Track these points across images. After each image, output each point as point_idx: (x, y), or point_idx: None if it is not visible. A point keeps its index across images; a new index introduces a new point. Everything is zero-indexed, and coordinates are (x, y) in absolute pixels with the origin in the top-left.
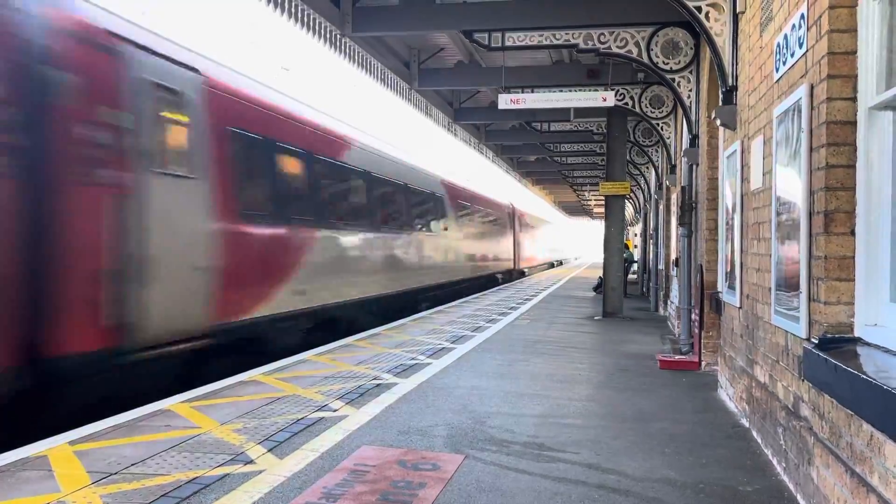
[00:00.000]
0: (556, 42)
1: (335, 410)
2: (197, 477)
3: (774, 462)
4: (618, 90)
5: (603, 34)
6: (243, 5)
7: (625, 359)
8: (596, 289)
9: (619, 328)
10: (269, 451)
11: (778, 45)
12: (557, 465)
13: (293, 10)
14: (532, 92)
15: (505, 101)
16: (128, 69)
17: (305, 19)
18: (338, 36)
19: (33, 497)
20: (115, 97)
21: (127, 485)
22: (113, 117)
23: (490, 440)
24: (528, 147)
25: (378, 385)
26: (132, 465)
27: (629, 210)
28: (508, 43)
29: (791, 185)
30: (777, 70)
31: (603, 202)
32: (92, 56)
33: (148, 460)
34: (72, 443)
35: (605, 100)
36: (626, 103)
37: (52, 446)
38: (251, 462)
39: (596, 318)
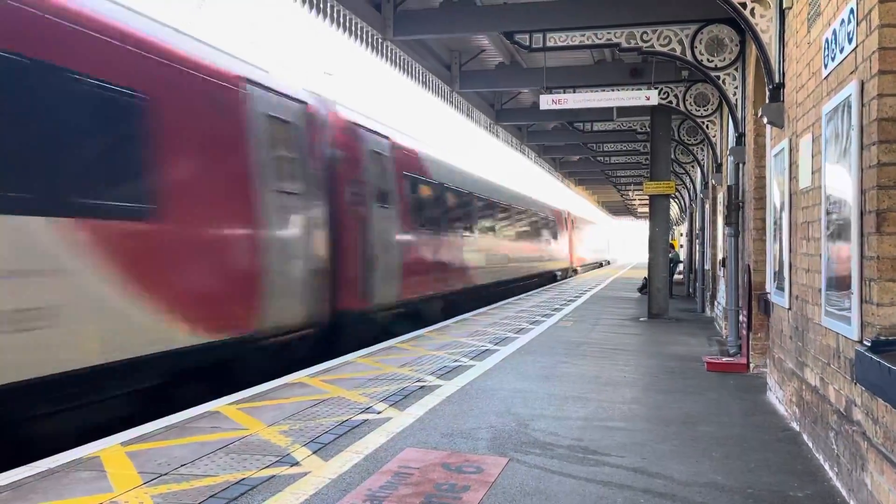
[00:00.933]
0: (597, 42)
1: (379, 412)
2: (244, 478)
3: (826, 467)
4: (661, 89)
5: (645, 32)
6: (287, 11)
7: (671, 361)
8: (641, 290)
9: (664, 330)
10: (315, 452)
11: (826, 41)
12: (602, 468)
13: (335, 15)
14: (574, 92)
15: (547, 102)
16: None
17: (348, 24)
18: (379, 40)
19: (87, 497)
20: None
21: (177, 485)
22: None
23: (534, 443)
24: (570, 147)
25: (421, 387)
26: (182, 465)
27: (674, 209)
28: (550, 43)
29: (841, 183)
30: (825, 66)
31: (647, 202)
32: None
33: (197, 461)
34: (124, 444)
35: (648, 99)
36: (670, 102)
37: (105, 447)
38: (297, 464)
39: (641, 319)
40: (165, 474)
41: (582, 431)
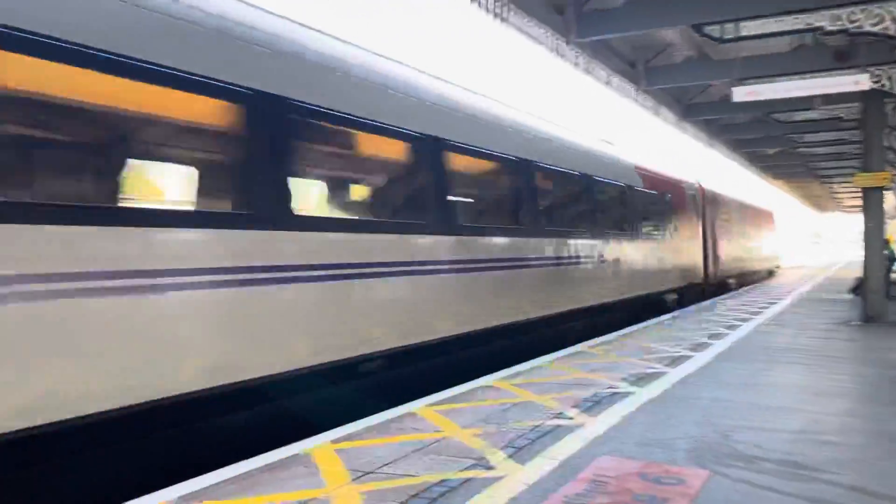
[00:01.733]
0: (796, 27)
1: (571, 418)
2: (443, 479)
3: None
4: (872, 71)
5: (853, 12)
6: (473, 22)
7: (891, 369)
8: (852, 290)
9: (882, 335)
10: (509, 457)
11: None
12: (816, 485)
13: (518, 23)
14: (770, 81)
15: (740, 94)
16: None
17: (528, 30)
18: (562, 44)
19: (303, 491)
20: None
21: (381, 483)
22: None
23: (737, 456)
24: (766, 140)
25: (614, 394)
26: (385, 464)
27: (890, 202)
28: (743, 33)
29: None
30: None
31: (856, 194)
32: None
33: (399, 461)
34: (333, 441)
35: (857, 83)
36: (883, 85)
37: (317, 444)
38: (492, 468)
39: (853, 323)
40: (370, 472)
41: (790, 444)
